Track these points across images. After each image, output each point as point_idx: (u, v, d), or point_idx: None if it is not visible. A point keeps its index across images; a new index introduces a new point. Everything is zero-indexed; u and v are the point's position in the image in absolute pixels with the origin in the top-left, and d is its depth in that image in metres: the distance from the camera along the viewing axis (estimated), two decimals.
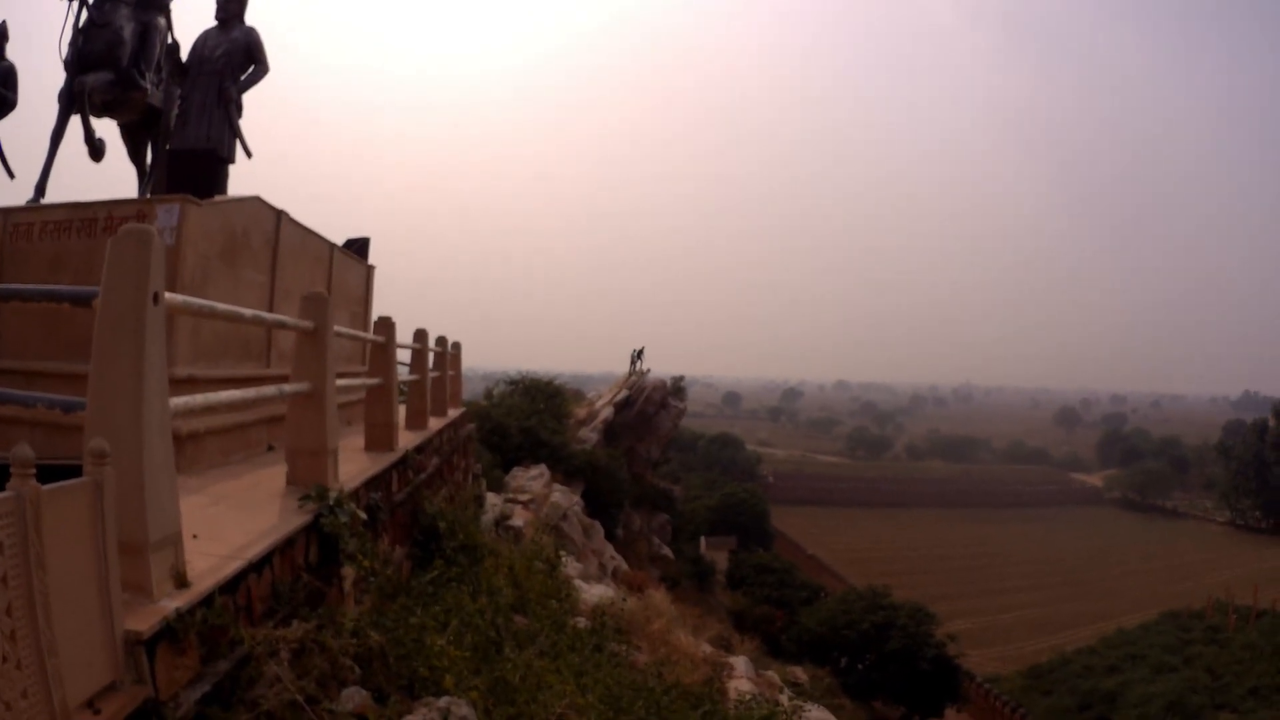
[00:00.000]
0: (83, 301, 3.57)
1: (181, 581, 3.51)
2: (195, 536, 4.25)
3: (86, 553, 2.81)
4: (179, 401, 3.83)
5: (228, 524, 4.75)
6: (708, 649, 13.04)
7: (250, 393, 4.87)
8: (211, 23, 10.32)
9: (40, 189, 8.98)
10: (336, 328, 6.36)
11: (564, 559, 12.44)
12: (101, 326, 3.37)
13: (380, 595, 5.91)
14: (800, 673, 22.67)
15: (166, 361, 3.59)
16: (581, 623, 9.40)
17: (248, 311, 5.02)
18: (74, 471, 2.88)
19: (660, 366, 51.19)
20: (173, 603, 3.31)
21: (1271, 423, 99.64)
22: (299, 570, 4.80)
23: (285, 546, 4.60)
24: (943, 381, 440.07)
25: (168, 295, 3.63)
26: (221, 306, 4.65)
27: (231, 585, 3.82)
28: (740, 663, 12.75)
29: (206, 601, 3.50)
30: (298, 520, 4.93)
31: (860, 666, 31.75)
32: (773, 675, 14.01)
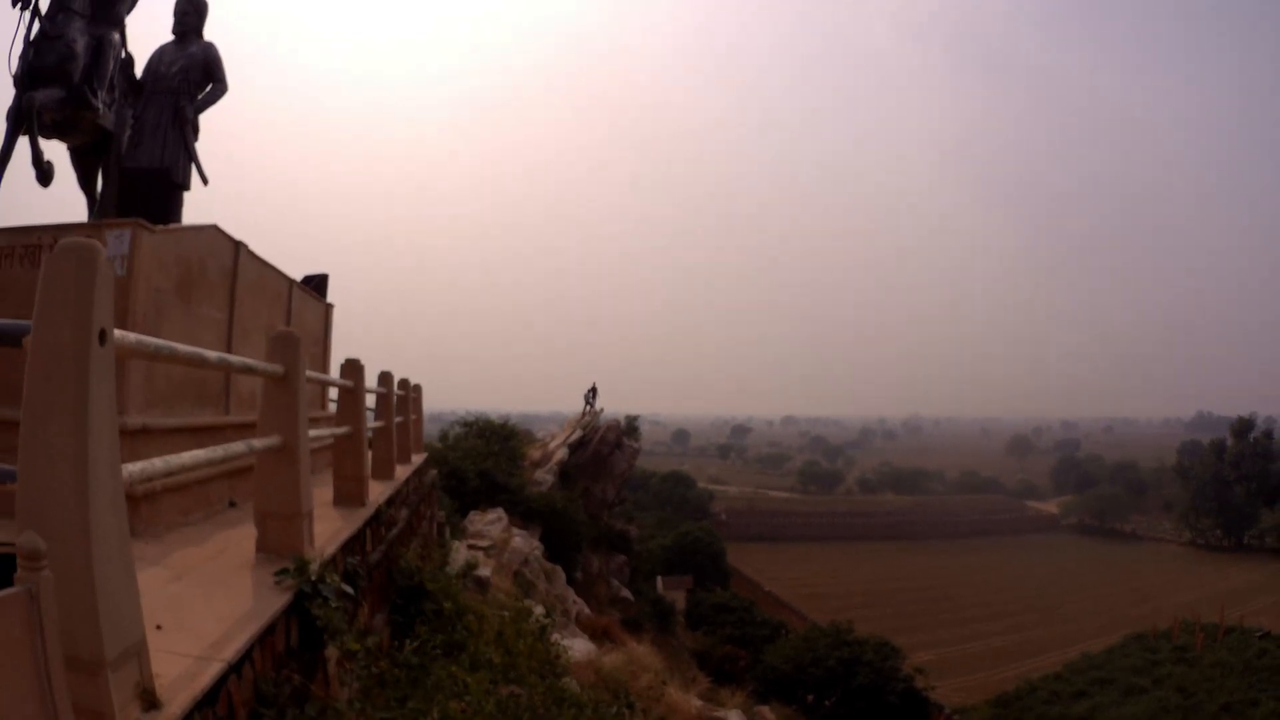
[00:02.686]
0: (11, 340, 2.80)
1: (151, 701, 2.72)
2: (159, 628, 3.49)
3: (24, 681, 2.07)
4: (135, 468, 3.06)
5: (195, 608, 3.97)
6: (698, 703, 12.34)
7: (217, 452, 4.10)
8: (168, 37, 9.62)
9: None
10: (307, 372, 5.61)
11: (540, 613, 11.74)
12: (34, 373, 2.57)
13: (366, 676, 5.17)
14: (768, 712, 22.12)
15: (116, 416, 2.78)
16: (573, 684, 8.70)
17: (212, 354, 4.22)
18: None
19: (608, 405, 50.71)
20: None
21: (1230, 442, 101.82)
22: (281, 659, 4.04)
23: (266, 634, 3.84)
24: (891, 414, 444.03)
25: (118, 334, 2.87)
26: (183, 348, 3.81)
27: (211, 696, 3.06)
28: (734, 717, 12.08)
29: None
30: (277, 602, 4.16)
31: (827, 703, 31.12)
32: None
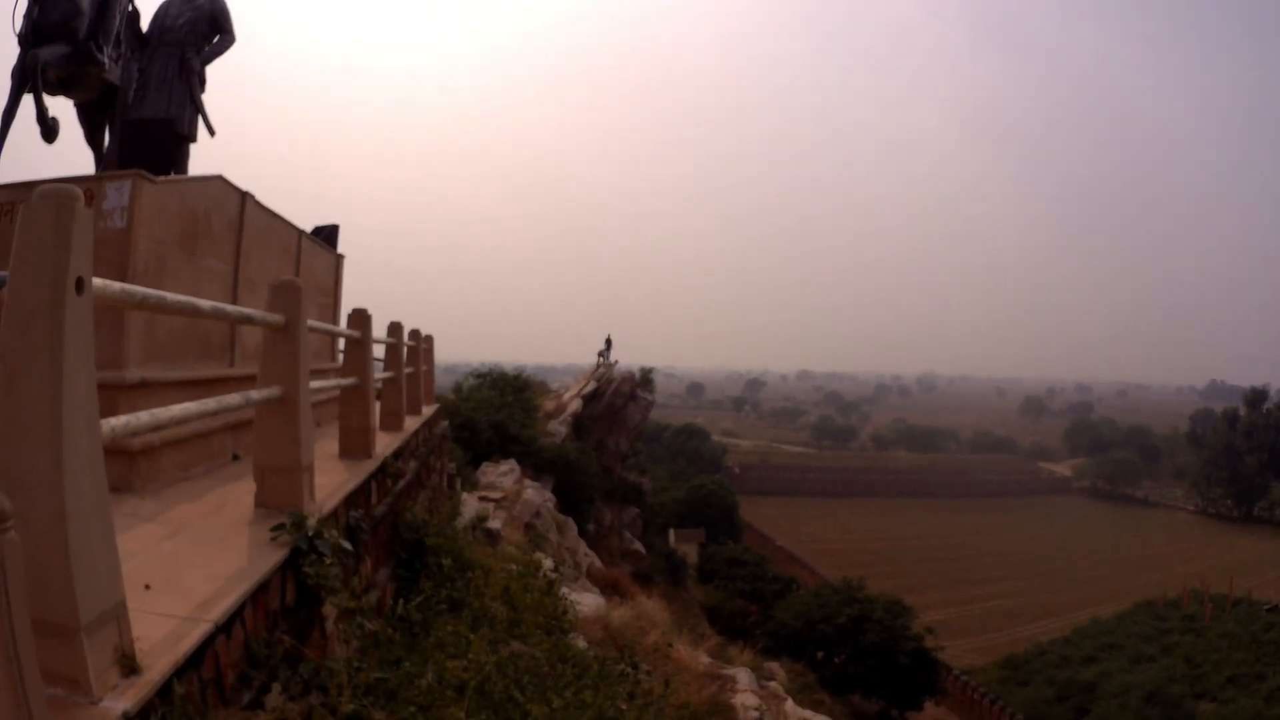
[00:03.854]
0: None
1: (130, 666, 2.63)
2: (148, 587, 3.41)
3: None
4: (118, 422, 2.96)
5: (188, 565, 3.88)
6: (706, 660, 12.32)
7: (209, 404, 3.99)
8: None
9: None
10: (310, 322, 5.48)
11: (549, 566, 11.71)
12: (9, 325, 2.46)
13: (363, 634, 5.10)
14: (778, 668, 22.19)
15: (94, 369, 2.66)
16: (580, 641, 8.66)
17: (205, 303, 4.07)
18: None
19: (623, 357, 50.53)
20: (119, 702, 2.45)
21: (1243, 411, 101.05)
22: (275, 617, 3.96)
23: (258, 592, 3.75)
24: (906, 371, 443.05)
25: (101, 283, 2.74)
26: (172, 297, 3.65)
27: (196, 658, 2.97)
28: (742, 675, 12.06)
29: (164, 691, 2.65)
30: (272, 558, 4.07)
31: (837, 660, 31.29)
32: (776, 686, 13.31)
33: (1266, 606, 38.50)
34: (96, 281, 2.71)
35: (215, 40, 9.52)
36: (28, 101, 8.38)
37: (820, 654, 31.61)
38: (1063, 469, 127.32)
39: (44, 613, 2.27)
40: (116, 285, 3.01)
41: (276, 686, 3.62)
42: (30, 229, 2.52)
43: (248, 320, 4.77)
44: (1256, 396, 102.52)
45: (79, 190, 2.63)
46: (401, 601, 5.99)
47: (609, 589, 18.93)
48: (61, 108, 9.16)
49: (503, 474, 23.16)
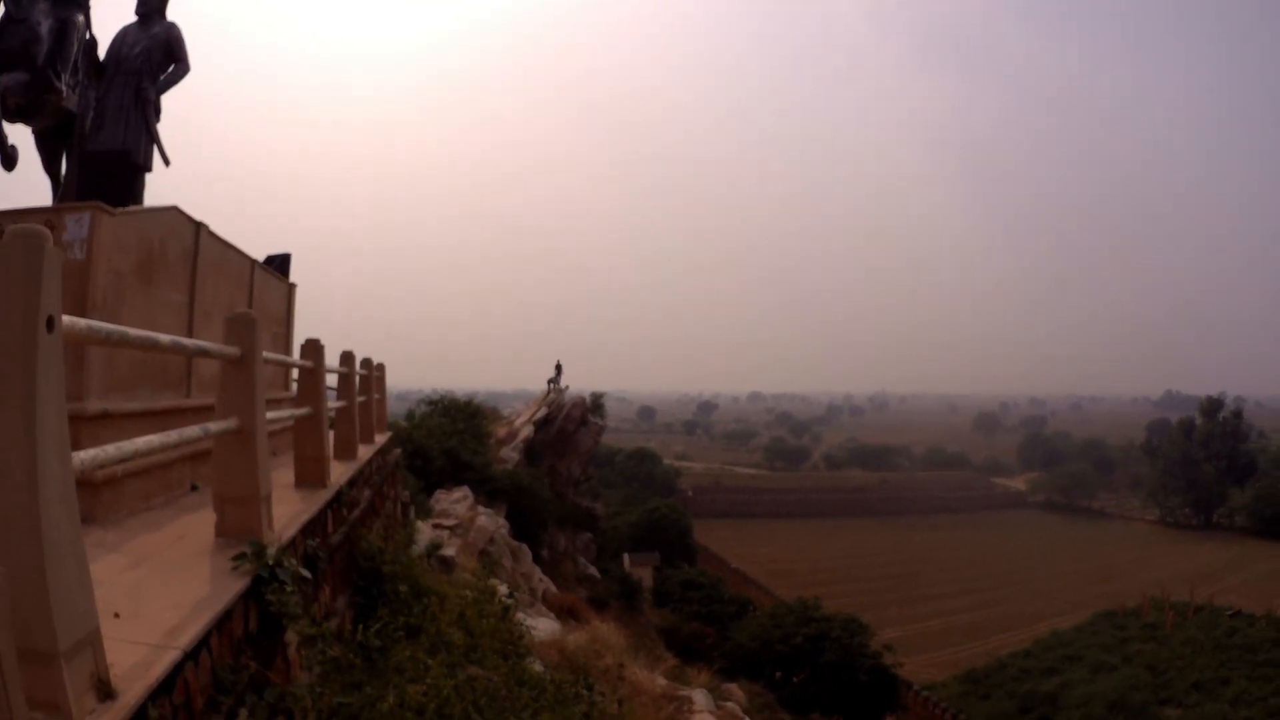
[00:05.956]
0: None
1: (106, 691, 2.72)
2: (117, 616, 3.48)
3: None
4: (87, 456, 3.04)
5: (153, 594, 3.95)
6: (663, 682, 12.41)
7: (171, 436, 4.06)
8: (131, 18, 9.47)
9: None
10: (265, 354, 5.57)
11: (504, 592, 11.75)
12: None
13: (325, 660, 5.17)
14: (736, 690, 22.27)
15: (65, 404, 2.74)
16: (537, 665, 8.73)
17: (164, 338, 4.15)
18: None
19: (574, 381, 50.74)
20: None
21: (1199, 421, 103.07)
22: (239, 644, 4.04)
23: (223, 620, 3.83)
24: (858, 390, 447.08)
25: (68, 320, 2.83)
26: (134, 332, 3.76)
27: (167, 684, 3.05)
28: (699, 696, 12.15)
29: (139, 716, 2.73)
30: (234, 587, 4.14)
31: (795, 680, 31.37)
32: (733, 707, 13.43)
33: (1229, 611, 39.07)
34: (64, 319, 2.80)
35: (171, 69, 9.55)
36: None
37: (779, 674, 31.70)
38: (1017, 483, 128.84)
39: (24, 640, 2.35)
40: (83, 322, 3.10)
41: (244, 711, 3.70)
42: (2, 269, 2.59)
43: (204, 353, 4.84)
44: (1212, 405, 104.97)
45: (48, 232, 2.72)
46: (361, 627, 6.04)
47: (564, 614, 18.96)
48: (19, 135, 9.14)
49: (456, 501, 23.14)
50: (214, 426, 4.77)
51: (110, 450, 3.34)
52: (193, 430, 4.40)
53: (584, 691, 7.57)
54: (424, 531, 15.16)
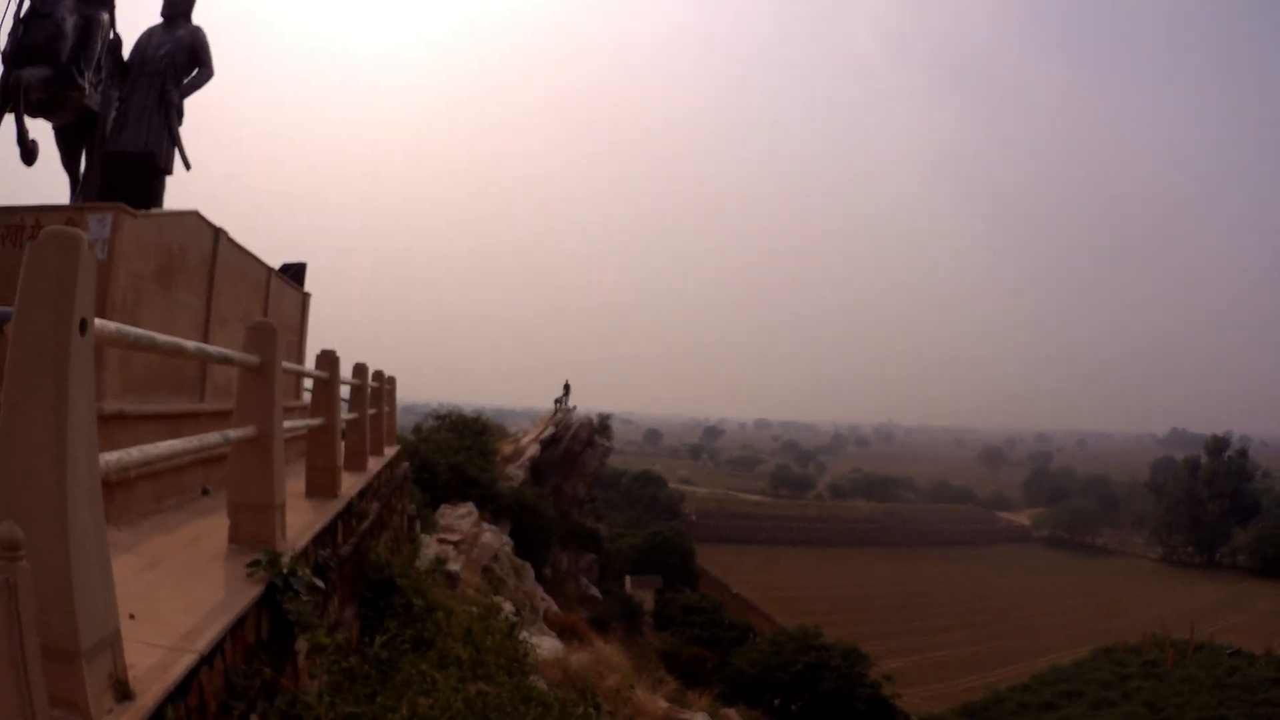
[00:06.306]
0: None
1: (124, 692, 2.72)
2: (132, 617, 3.48)
3: (1, 671, 2.07)
4: (112, 458, 3.05)
5: (168, 597, 3.96)
6: (664, 704, 12.37)
7: (192, 442, 4.08)
8: (157, 20, 9.56)
9: None
10: (283, 363, 5.59)
11: (509, 610, 11.75)
12: (14, 362, 2.55)
13: (336, 670, 5.16)
14: (735, 715, 22.19)
15: (95, 406, 2.76)
16: (540, 683, 8.71)
17: (190, 344, 4.17)
18: None
19: (581, 402, 50.74)
20: None
21: (1204, 460, 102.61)
22: (252, 650, 4.04)
23: (237, 625, 3.84)
24: (864, 420, 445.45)
25: (99, 323, 2.83)
26: (162, 338, 3.76)
27: (183, 687, 3.06)
28: (700, 719, 12.11)
29: (156, 717, 2.74)
30: (249, 593, 4.15)
31: (794, 708, 31.21)
32: None
33: (1230, 650, 38.75)
34: (95, 322, 2.81)
35: (194, 73, 9.62)
36: (8, 121, 8.43)
37: (778, 701, 31.54)
38: (1021, 518, 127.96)
39: (47, 638, 2.36)
40: (113, 326, 3.11)
41: (255, 717, 3.70)
42: (37, 269, 2.59)
43: (227, 361, 4.86)
44: (1218, 444, 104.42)
45: (83, 234, 2.73)
46: (375, 638, 6.04)
47: (566, 634, 18.92)
48: (40, 130, 9.20)
49: (461, 516, 23.16)
50: (233, 433, 4.80)
51: (134, 453, 3.36)
52: (213, 436, 4.42)
53: (591, 711, 7.54)
54: (429, 546, 15.17)
